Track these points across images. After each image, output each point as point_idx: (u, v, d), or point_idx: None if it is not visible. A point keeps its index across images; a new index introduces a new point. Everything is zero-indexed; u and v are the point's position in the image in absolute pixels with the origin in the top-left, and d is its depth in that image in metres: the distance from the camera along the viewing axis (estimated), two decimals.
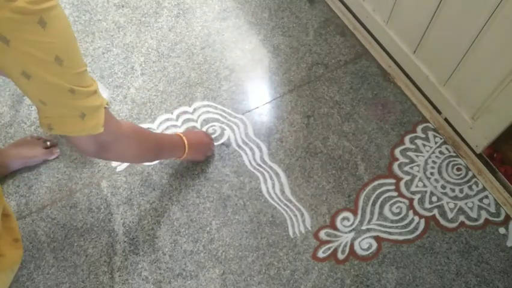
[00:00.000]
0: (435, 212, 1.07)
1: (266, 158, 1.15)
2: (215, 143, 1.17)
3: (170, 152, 0.98)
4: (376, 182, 1.12)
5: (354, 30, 1.39)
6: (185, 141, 0.99)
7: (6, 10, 0.47)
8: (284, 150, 1.17)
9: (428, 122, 1.21)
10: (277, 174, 1.13)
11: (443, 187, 1.11)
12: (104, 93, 1.11)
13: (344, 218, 1.07)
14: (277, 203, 1.09)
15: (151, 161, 1.06)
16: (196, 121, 1.22)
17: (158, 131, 1.19)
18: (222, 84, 1.28)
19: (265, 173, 1.13)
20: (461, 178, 1.12)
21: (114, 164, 1.14)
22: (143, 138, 0.85)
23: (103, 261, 1.01)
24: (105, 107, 0.66)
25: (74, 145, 0.70)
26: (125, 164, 1.14)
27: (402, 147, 1.17)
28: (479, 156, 1.14)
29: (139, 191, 1.10)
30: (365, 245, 1.03)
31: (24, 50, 0.51)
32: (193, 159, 1.11)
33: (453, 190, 1.10)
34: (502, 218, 1.07)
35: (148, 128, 1.20)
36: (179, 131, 1.20)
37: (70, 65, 0.57)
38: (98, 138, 0.68)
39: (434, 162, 1.14)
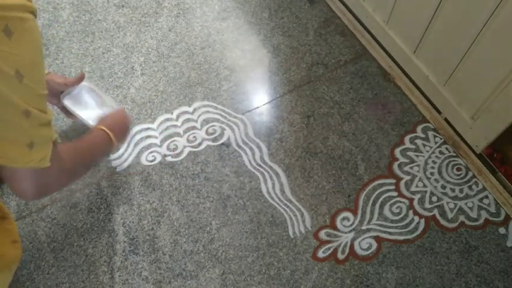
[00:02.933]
0: (435, 212, 1.07)
1: (266, 158, 1.15)
2: (215, 143, 1.17)
3: (101, 153, 0.94)
4: (376, 182, 1.12)
5: (354, 30, 1.39)
6: (109, 132, 0.93)
7: None
8: (284, 150, 1.17)
9: (428, 122, 1.21)
10: (277, 174, 1.13)
11: (443, 187, 1.11)
12: (114, 104, 1.11)
13: (344, 218, 1.07)
14: (277, 203, 1.09)
15: (87, 172, 1.06)
16: (196, 121, 1.22)
17: (158, 131, 1.20)
18: (222, 84, 1.28)
19: (265, 173, 1.13)
20: (461, 178, 1.12)
21: (114, 163, 1.14)
22: (81, 160, 0.80)
23: (103, 261, 1.01)
24: (53, 142, 0.61)
25: (11, 181, 0.62)
26: (126, 164, 1.14)
27: (402, 147, 1.17)
28: (479, 156, 1.14)
29: (139, 191, 1.10)
30: (365, 245, 1.03)
31: None
32: (123, 138, 1.03)
33: (453, 190, 1.10)
34: (502, 218, 1.07)
35: (148, 128, 1.20)
36: (179, 131, 1.20)
37: (30, 84, 0.52)
38: (42, 179, 0.62)
39: (434, 162, 1.14)
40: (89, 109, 1.08)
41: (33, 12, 0.52)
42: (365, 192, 1.10)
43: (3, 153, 0.55)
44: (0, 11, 0.46)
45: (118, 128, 0.97)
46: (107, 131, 0.93)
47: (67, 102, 1.06)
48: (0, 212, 0.78)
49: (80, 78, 1.07)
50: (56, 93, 1.05)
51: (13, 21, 0.48)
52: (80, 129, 1.18)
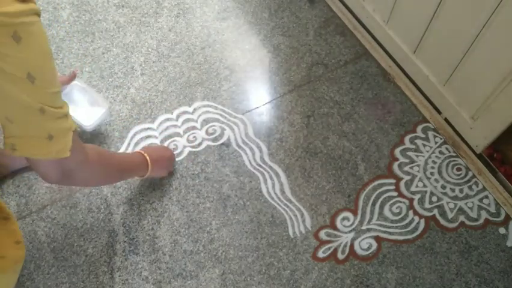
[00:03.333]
0: (435, 212, 1.07)
1: (266, 158, 1.15)
2: (215, 143, 1.17)
3: (133, 172, 0.96)
4: (376, 182, 1.12)
5: (354, 30, 1.39)
6: (148, 159, 0.96)
7: None
8: (284, 150, 1.17)
9: (428, 122, 1.21)
10: (277, 174, 1.13)
11: (443, 187, 1.11)
12: (105, 104, 1.11)
13: (344, 218, 1.07)
14: (277, 203, 1.09)
15: (114, 183, 1.07)
16: (196, 121, 1.22)
17: (158, 131, 1.20)
18: (222, 84, 1.28)
19: (265, 173, 1.13)
20: (461, 178, 1.12)
21: None
22: (107, 164, 0.83)
23: (103, 261, 1.01)
24: (73, 131, 0.63)
25: (36, 169, 0.66)
26: None
27: (402, 147, 1.17)
28: (479, 156, 1.14)
29: (139, 191, 1.10)
30: (365, 245, 1.03)
31: None
32: (157, 175, 1.07)
33: (453, 190, 1.10)
34: (502, 218, 1.07)
35: (148, 128, 1.20)
36: (179, 131, 1.20)
37: (42, 84, 0.54)
38: (63, 165, 0.65)
39: (434, 162, 1.14)
40: (81, 108, 1.08)
41: (38, 14, 0.53)
42: (365, 192, 1.10)
43: (24, 147, 0.58)
44: (8, 19, 0.47)
45: (157, 158, 1.01)
46: (147, 157, 0.96)
47: None
48: (3, 213, 0.78)
49: (72, 77, 1.07)
50: None
51: (21, 26, 0.49)
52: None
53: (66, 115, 0.61)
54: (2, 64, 0.49)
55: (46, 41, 0.55)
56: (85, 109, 1.09)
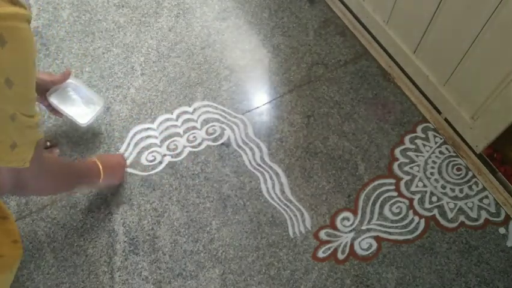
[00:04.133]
0: (435, 212, 1.07)
1: (266, 158, 1.15)
2: (215, 143, 1.17)
3: (86, 179, 0.95)
4: (376, 182, 1.12)
5: (354, 30, 1.39)
6: (100, 166, 0.96)
7: None
8: (284, 150, 1.17)
9: (428, 122, 1.21)
10: (277, 174, 1.13)
11: (443, 187, 1.11)
12: (100, 101, 1.12)
13: (344, 218, 1.07)
14: (277, 203, 1.09)
15: (66, 192, 1.07)
16: (196, 121, 1.22)
17: (158, 131, 1.20)
18: (222, 84, 1.28)
19: (265, 173, 1.13)
20: (461, 178, 1.12)
21: None
22: (61, 174, 0.82)
23: (103, 261, 1.01)
24: (37, 141, 0.62)
25: None
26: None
27: (402, 147, 1.17)
28: (479, 156, 1.14)
29: (139, 191, 1.10)
30: (365, 245, 1.03)
31: None
32: (109, 183, 1.07)
33: (453, 190, 1.10)
34: (502, 218, 1.07)
35: (148, 128, 1.20)
36: (179, 131, 1.20)
37: (20, 90, 0.52)
38: (20, 175, 0.64)
39: (434, 162, 1.14)
40: (76, 106, 1.09)
41: (29, 21, 0.52)
42: (365, 192, 1.10)
43: None
44: None
45: (111, 169, 1.01)
46: (99, 164, 0.96)
47: (53, 100, 1.06)
48: (1, 213, 0.78)
49: (66, 75, 1.07)
50: (42, 91, 1.05)
51: (7, 30, 0.47)
52: (68, 130, 1.18)
53: (37, 125, 0.60)
54: None
55: (33, 48, 0.54)
56: (81, 107, 1.09)
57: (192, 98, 1.26)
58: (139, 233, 1.05)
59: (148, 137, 1.19)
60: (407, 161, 1.15)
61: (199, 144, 1.18)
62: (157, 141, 1.18)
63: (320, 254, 1.02)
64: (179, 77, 1.30)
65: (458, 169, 1.13)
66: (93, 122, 1.12)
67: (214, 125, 1.21)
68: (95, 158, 0.98)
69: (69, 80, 1.08)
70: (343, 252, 1.02)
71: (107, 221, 1.06)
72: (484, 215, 1.07)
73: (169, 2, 1.46)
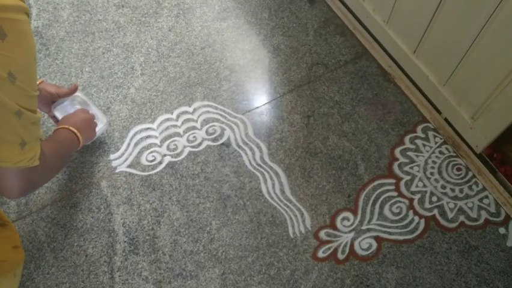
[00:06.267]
0: (435, 212, 1.07)
1: (266, 158, 1.15)
2: (215, 143, 1.17)
3: (70, 150, 0.95)
4: (376, 182, 1.12)
5: (354, 30, 1.39)
6: (75, 130, 0.95)
7: None
8: (284, 150, 1.17)
9: (428, 122, 1.21)
10: (277, 174, 1.13)
11: (443, 187, 1.11)
12: (104, 119, 1.12)
13: (344, 218, 1.07)
14: (277, 203, 1.09)
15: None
16: (196, 121, 1.22)
17: (158, 131, 1.20)
18: (222, 84, 1.28)
19: (265, 173, 1.13)
20: (461, 178, 1.12)
21: (114, 164, 1.14)
22: (58, 161, 0.82)
23: (103, 261, 1.01)
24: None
25: None
26: (125, 164, 1.14)
27: (402, 147, 1.17)
28: (479, 156, 1.14)
29: (139, 191, 1.10)
30: (365, 245, 1.03)
31: None
32: (89, 140, 1.06)
33: (453, 190, 1.10)
34: (502, 218, 1.07)
35: (148, 128, 1.20)
36: (179, 131, 1.20)
37: (23, 85, 0.52)
38: (30, 175, 0.62)
39: (434, 162, 1.14)
40: None
41: (27, 13, 0.51)
42: (365, 192, 1.10)
43: None
44: None
45: (81, 124, 1.00)
46: (73, 129, 0.95)
47: (58, 114, 1.06)
48: (0, 220, 0.79)
49: (73, 90, 1.07)
50: (48, 103, 1.06)
51: (7, 22, 0.47)
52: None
53: (39, 120, 0.60)
54: None
55: (32, 41, 0.53)
56: None
57: (192, 98, 1.26)
58: (139, 233, 1.05)
59: (148, 137, 1.19)
60: (407, 161, 1.15)
61: (199, 144, 1.18)
62: (157, 141, 1.18)
63: (320, 254, 1.02)
64: (179, 77, 1.30)
65: (458, 169, 1.13)
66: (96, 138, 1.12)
67: (214, 125, 1.21)
68: (66, 126, 0.95)
69: (76, 94, 1.09)
70: (343, 252, 1.02)
71: (107, 221, 1.06)
72: (484, 215, 1.07)
73: (169, 2, 1.46)
